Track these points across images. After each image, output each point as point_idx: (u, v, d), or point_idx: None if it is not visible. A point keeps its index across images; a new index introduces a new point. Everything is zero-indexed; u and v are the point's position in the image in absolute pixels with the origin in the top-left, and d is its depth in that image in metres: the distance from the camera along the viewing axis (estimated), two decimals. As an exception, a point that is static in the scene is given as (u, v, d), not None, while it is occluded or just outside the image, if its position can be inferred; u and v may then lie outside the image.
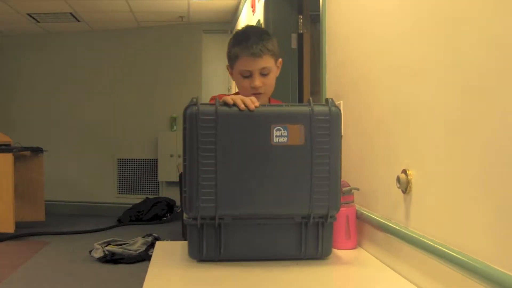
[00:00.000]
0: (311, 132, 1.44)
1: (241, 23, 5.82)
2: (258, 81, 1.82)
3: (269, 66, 1.84)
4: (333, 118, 1.46)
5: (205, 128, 1.42)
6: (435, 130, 1.26)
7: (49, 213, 6.59)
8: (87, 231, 6.19)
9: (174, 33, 7.21)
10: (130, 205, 7.08)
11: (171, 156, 7.13)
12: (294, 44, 3.89)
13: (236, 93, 1.99)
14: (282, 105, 1.49)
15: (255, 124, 1.45)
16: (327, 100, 1.48)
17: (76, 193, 7.55)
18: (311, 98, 1.48)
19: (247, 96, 1.82)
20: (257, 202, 1.46)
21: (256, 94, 1.83)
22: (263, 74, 1.83)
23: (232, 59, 1.87)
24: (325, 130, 1.45)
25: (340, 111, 1.48)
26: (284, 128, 1.44)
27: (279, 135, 1.44)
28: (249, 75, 1.83)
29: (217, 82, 7.13)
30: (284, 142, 1.44)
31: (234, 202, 1.45)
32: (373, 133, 1.68)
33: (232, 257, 1.51)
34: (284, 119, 1.44)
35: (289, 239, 1.51)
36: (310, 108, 1.45)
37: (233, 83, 6.40)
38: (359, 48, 1.82)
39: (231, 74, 1.93)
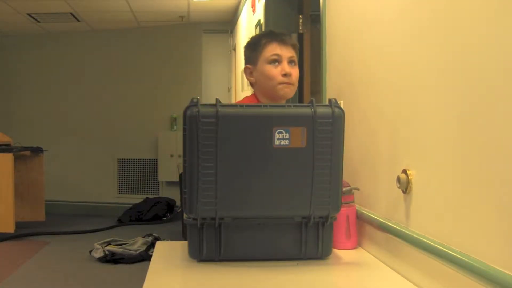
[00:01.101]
0: (313, 135, 1.42)
1: (241, 23, 5.82)
2: (288, 68, 1.82)
3: (295, 58, 1.86)
4: (336, 120, 1.43)
5: (205, 130, 1.39)
6: (436, 130, 1.26)
7: (49, 213, 6.59)
8: (87, 231, 6.19)
9: (174, 33, 7.21)
10: (130, 205, 7.08)
11: (171, 156, 7.13)
12: (294, 44, 3.89)
13: (249, 97, 1.97)
14: (284, 106, 1.46)
15: (256, 126, 1.42)
16: (330, 100, 1.45)
17: (76, 193, 7.55)
18: (314, 99, 1.45)
19: (273, 88, 1.84)
20: (257, 204, 1.45)
21: (287, 84, 1.83)
22: (291, 63, 1.84)
23: (257, 50, 1.86)
24: (327, 132, 1.42)
25: (343, 112, 1.45)
26: (286, 131, 1.41)
27: (281, 138, 1.41)
28: (278, 61, 1.83)
29: (217, 82, 7.13)
30: (285, 145, 1.42)
31: (234, 204, 1.44)
32: (374, 133, 1.68)
33: (232, 257, 1.50)
34: (286, 122, 1.42)
35: (289, 239, 1.51)
36: (312, 110, 1.42)
37: (234, 83, 6.40)
38: (360, 48, 1.82)
39: (252, 72, 1.90)
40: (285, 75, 1.81)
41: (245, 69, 1.93)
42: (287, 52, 1.84)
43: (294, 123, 1.42)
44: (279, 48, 1.83)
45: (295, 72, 1.85)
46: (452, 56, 1.18)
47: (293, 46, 1.88)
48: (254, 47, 1.90)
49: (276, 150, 1.42)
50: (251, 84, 1.96)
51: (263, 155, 1.42)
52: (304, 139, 1.42)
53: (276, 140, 1.41)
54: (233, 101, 6.21)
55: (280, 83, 1.83)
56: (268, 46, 1.84)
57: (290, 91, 1.85)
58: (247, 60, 1.94)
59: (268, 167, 1.43)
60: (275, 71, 1.82)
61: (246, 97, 2.07)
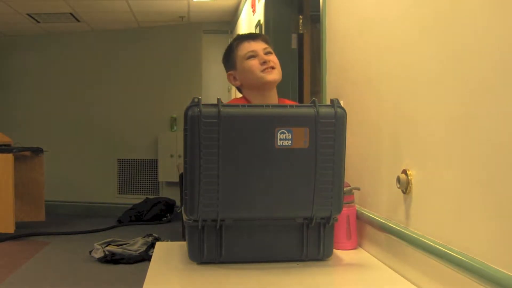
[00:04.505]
0: (316, 135, 1.41)
1: (241, 23, 5.82)
2: (265, 56, 1.88)
3: (270, 49, 1.91)
4: (338, 120, 1.43)
5: (207, 131, 1.38)
6: (436, 130, 1.26)
7: (49, 213, 6.58)
8: (87, 231, 6.18)
9: (174, 33, 7.20)
10: (130, 205, 7.07)
11: (171, 156, 7.12)
12: (294, 44, 3.89)
13: (238, 99, 1.99)
14: (286, 107, 1.46)
15: (258, 127, 1.41)
16: (332, 100, 1.44)
17: (76, 193, 7.54)
18: (316, 99, 1.44)
19: (258, 78, 1.88)
20: (259, 205, 1.45)
21: (270, 69, 1.88)
22: (267, 53, 1.89)
23: (232, 54, 1.94)
24: (330, 133, 1.42)
25: (345, 113, 1.45)
26: (289, 131, 1.41)
27: (283, 138, 1.41)
28: (254, 56, 1.88)
29: (217, 82, 7.12)
30: (288, 145, 1.41)
31: (236, 205, 1.43)
32: (374, 133, 1.68)
33: (233, 259, 1.49)
34: (288, 122, 1.41)
35: (291, 241, 1.50)
36: (315, 110, 1.42)
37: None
38: (360, 48, 1.83)
39: (235, 77, 1.96)
40: (264, 62, 1.87)
41: (228, 76, 1.99)
42: (260, 46, 1.90)
43: (296, 123, 1.42)
44: (250, 44, 1.90)
45: (273, 58, 1.91)
46: (452, 56, 1.18)
47: (264, 40, 1.95)
48: (228, 54, 1.97)
49: (279, 150, 1.41)
50: (239, 89, 2.01)
51: (265, 155, 1.42)
52: (306, 139, 1.41)
53: (278, 140, 1.41)
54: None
55: (263, 70, 1.88)
56: (240, 46, 1.92)
57: (276, 74, 1.90)
58: (228, 69, 2.00)
59: (270, 168, 1.43)
60: (254, 62, 1.88)
61: (235, 98, 2.11)
